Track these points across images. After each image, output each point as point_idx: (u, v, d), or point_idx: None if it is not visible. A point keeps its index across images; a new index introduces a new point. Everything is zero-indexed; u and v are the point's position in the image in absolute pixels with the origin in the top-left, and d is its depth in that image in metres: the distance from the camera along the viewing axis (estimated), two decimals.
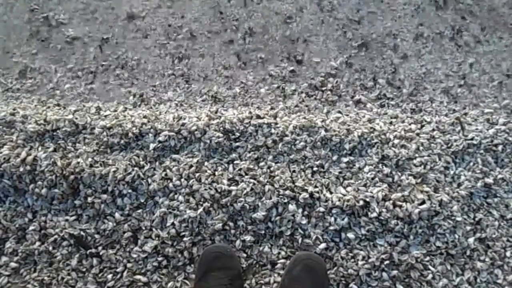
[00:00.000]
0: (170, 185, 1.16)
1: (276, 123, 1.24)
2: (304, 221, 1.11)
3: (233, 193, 1.13)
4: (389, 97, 1.36)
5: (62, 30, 1.52)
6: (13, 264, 1.12)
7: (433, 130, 1.25)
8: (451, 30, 1.46)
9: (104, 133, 1.23)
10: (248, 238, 1.11)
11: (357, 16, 1.45)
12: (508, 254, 1.11)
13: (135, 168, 1.17)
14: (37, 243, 1.13)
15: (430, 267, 1.08)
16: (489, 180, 1.17)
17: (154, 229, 1.13)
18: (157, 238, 1.12)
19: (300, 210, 1.12)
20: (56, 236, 1.13)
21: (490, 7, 1.45)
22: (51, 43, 1.50)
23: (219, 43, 1.45)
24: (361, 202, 1.12)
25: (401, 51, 1.45)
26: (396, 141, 1.21)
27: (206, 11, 1.51)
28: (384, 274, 1.07)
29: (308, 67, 1.35)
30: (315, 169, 1.19)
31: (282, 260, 1.10)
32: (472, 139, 1.22)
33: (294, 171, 1.18)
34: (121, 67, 1.45)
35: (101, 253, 1.12)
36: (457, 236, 1.11)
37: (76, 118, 1.27)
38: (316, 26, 1.45)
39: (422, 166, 1.18)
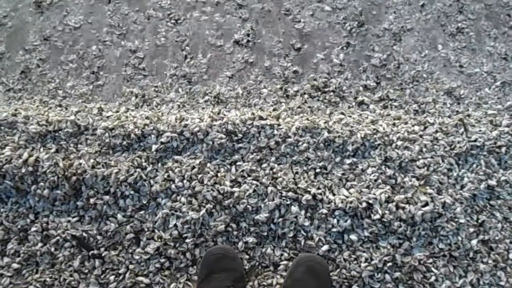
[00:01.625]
0: (173, 186, 1.15)
1: (279, 124, 1.23)
2: (306, 223, 1.11)
3: (236, 194, 1.13)
4: (392, 98, 1.36)
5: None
6: (15, 265, 1.12)
7: (436, 131, 1.25)
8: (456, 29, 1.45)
9: (106, 134, 1.23)
10: (250, 239, 1.11)
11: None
12: (511, 256, 1.10)
13: (138, 169, 1.17)
14: (39, 244, 1.13)
15: (433, 269, 1.08)
16: (492, 182, 1.16)
17: (156, 231, 1.13)
18: (159, 240, 1.12)
19: (302, 212, 1.12)
20: (58, 237, 1.13)
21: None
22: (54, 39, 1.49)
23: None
24: (364, 204, 1.11)
25: (403, 47, 1.44)
26: (399, 142, 1.21)
27: None
28: (387, 276, 1.07)
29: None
30: (318, 170, 1.18)
31: (285, 262, 1.09)
32: (475, 140, 1.22)
33: (297, 172, 1.18)
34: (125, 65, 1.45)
35: (103, 255, 1.12)
36: (460, 238, 1.11)
37: (78, 119, 1.26)
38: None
39: (425, 168, 1.18)
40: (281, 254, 1.11)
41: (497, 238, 1.12)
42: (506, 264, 1.10)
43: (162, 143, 1.21)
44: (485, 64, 1.42)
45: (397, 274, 1.07)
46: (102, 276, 1.10)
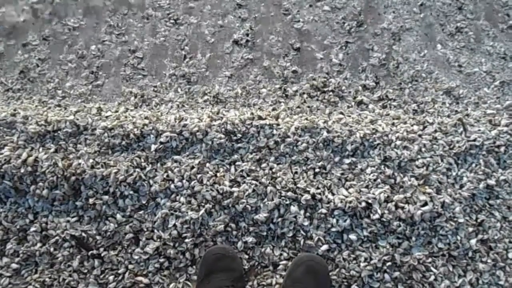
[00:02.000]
0: (172, 186, 1.15)
1: (278, 124, 1.23)
2: (306, 223, 1.11)
3: (235, 194, 1.13)
4: (391, 98, 1.36)
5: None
6: (14, 265, 1.12)
7: (436, 131, 1.25)
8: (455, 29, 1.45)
9: (105, 134, 1.23)
10: (250, 239, 1.11)
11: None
12: (510, 255, 1.11)
13: (137, 169, 1.17)
14: (38, 244, 1.13)
15: (432, 268, 1.08)
16: (491, 182, 1.16)
17: (155, 231, 1.13)
18: (158, 240, 1.12)
19: (302, 212, 1.12)
20: (57, 237, 1.13)
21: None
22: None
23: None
24: (363, 204, 1.11)
25: (402, 47, 1.44)
26: (398, 142, 1.21)
27: None
28: (386, 276, 1.07)
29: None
30: (317, 170, 1.18)
31: (284, 262, 1.09)
32: (474, 140, 1.22)
33: (296, 172, 1.18)
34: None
35: (102, 255, 1.11)
36: (459, 238, 1.11)
37: (77, 119, 1.26)
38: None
39: (425, 168, 1.18)
40: (281, 254, 1.11)
41: (496, 237, 1.12)
42: (505, 263, 1.10)
43: (161, 143, 1.21)
44: (484, 64, 1.42)
45: (397, 273, 1.07)
46: (101, 276, 1.10)
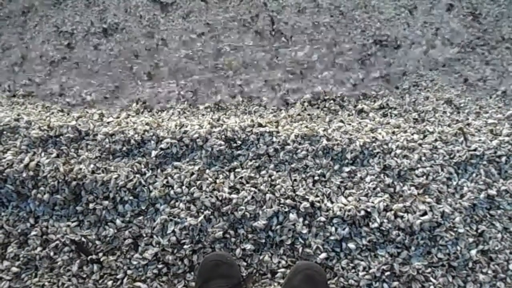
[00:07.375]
0: (171, 192, 1.16)
1: (278, 132, 1.24)
2: (304, 231, 1.11)
3: (234, 201, 1.13)
4: (391, 107, 1.36)
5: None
6: (14, 269, 1.13)
7: (436, 140, 1.24)
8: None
9: (107, 140, 1.24)
10: (248, 246, 1.11)
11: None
12: (511, 267, 1.09)
13: (137, 175, 1.18)
14: (39, 248, 1.14)
15: (431, 279, 1.07)
16: (492, 192, 1.16)
17: (154, 236, 1.13)
18: (157, 245, 1.12)
19: (301, 219, 1.12)
20: (57, 242, 1.14)
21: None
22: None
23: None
24: (362, 212, 1.11)
25: (404, 55, 1.45)
26: (398, 151, 1.21)
27: None
28: (385, 285, 1.06)
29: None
30: (316, 178, 1.18)
31: (282, 269, 1.09)
32: (475, 150, 1.21)
33: (295, 180, 1.18)
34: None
35: (101, 260, 1.12)
36: (459, 248, 1.10)
37: (79, 125, 1.28)
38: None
39: (424, 177, 1.18)
40: (279, 262, 1.10)
41: (497, 248, 1.11)
42: (506, 274, 1.09)
43: (161, 149, 1.22)
44: (486, 73, 1.41)
45: (395, 283, 1.06)
46: (100, 281, 1.11)
